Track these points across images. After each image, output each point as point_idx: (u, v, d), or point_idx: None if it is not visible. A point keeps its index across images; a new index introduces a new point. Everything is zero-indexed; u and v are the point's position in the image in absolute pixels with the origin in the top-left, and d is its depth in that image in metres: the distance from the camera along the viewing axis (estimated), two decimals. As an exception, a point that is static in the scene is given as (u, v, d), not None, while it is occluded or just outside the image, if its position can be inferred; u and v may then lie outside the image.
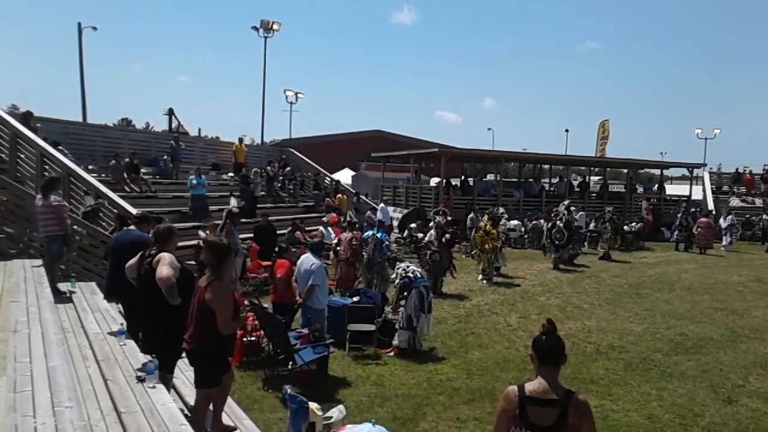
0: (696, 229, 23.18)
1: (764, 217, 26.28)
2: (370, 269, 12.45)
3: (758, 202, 30.22)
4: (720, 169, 36.65)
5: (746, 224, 27.34)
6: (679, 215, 24.49)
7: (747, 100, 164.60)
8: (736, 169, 33.80)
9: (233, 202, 15.89)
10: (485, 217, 16.14)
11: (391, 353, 8.80)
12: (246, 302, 8.60)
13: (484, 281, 15.03)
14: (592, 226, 23.31)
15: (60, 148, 14.29)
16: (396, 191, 30.64)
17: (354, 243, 12.50)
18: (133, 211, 11.71)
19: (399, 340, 8.85)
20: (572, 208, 20.28)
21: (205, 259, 5.15)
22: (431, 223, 15.19)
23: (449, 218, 17.02)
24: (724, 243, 23.93)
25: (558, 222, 18.19)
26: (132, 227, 7.79)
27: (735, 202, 30.48)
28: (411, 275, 9.22)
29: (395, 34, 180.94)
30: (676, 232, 23.92)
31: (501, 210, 18.75)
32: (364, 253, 12.51)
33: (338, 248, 12.90)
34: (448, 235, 14.04)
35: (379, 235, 13.10)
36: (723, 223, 24.32)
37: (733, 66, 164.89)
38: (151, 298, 5.35)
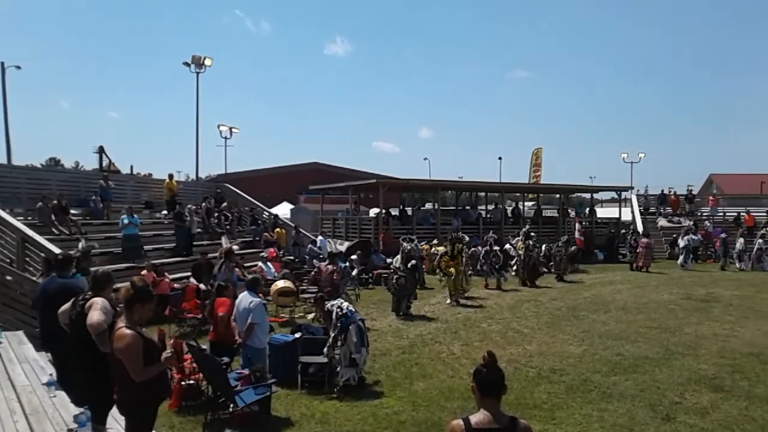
0: (638, 248, 24.47)
1: (691, 236, 27.35)
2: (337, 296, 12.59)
3: (684, 221, 31.47)
4: (647, 191, 38.22)
5: (673, 243, 28.46)
6: (628, 237, 26.18)
7: (669, 125, 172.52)
8: (662, 191, 35.22)
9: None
10: (446, 243, 17.43)
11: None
12: (183, 344, 8.39)
13: (454, 303, 15.87)
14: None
15: None
16: (336, 223, 30.64)
17: (335, 277, 13.00)
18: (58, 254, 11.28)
19: (344, 380, 8.63)
20: (532, 234, 21.77)
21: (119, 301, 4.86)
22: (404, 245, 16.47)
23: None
24: (680, 261, 25.39)
25: (494, 247, 19.73)
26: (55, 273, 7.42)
27: (662, 222, 31.70)
28: (347, 311, 8.95)
29: (329, 65, 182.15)
30: (628, 254, 25.58)
31: (462, 235, 19.48)
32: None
33: (317, 278, 13.40)
34: (413, 261, 15.17)
35: (342, 266, 13.89)
36: (681, 242, 25.88)
37: (654, 91, 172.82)
38: (84, 345, 5.13)
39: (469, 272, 17.63)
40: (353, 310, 9.22)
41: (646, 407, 7.83)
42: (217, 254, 14.50)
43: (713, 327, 12.89)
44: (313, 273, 14.34)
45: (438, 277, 17.24)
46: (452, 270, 16.02)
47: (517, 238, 22.58)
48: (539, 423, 7.21)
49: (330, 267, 13.48)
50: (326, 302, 9.26)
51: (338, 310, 8.86)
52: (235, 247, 13.66)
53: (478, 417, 3.08)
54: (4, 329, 8.77)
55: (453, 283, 16.06)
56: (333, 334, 8.74)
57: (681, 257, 25.58)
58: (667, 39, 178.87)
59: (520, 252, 20.54)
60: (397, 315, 14.21)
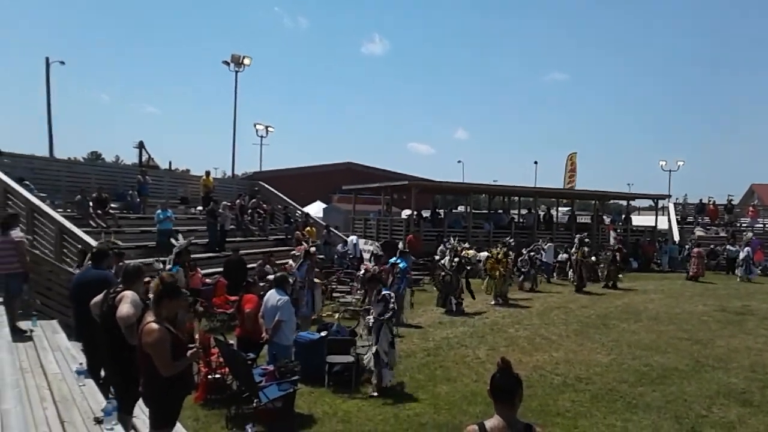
0: (690, 258, 24.51)
1: (728, 247, 26.80)
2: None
3: (722, 232, 30.83)
4: (686, 199, 37.46)
5: (711, 254, 27.89)
6: (687, 246, 26.18)
7: (710, 133, 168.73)
8: (700, 200, 34.52)
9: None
10: (498, 246, 18.34)
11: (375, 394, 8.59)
12: (212, 338, 8.55)
13: (496, 303, 16.70)
14: (561, 257, 23.67)
15: (26, 183, 14.13)
16: (367, 223, 30.70)
17: (383, 276, 12.87)
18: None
19: (387, 382, 8.69)
20: (586, 240, 21.82)
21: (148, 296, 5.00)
22: (441, 248, 17.57)
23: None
24: (740, 273, 24.82)
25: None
26: (90, 263, 7.62)
27: (699, 232, 31.07)
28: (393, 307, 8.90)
29: (366, 65, 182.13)
30: (688, 264, 25.32)
31: (511, 240, 19.77)
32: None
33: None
34: (458, 259, 15.87)
35: (401, 265, 13.95)
36: (741, 254, 25.28)
37: (695, 98, 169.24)
38: (113, 336, 5.28)
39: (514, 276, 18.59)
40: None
41: (672, 419, 7.72)
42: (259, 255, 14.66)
43: (746, 340, 12.61)
44: (361, 273, 14.56)
45: (480, 280, 17.90)
46: (497, 273, 16.98)
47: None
48: (561, 431, 7.17)
49: (376, 267, 13.85)
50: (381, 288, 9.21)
51: (392, 300, 8.85)
52: (312, 249, 14.68)
53: (492, 422, 3.10)
54: (39, 318, 9.02)
55: (496, 285, 17.02)
56: (371, 321, 8.78)
57: (741, 269, 24.93)
58: (710, 45, 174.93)
59: (577, 258, 20.51)
60: (445, 310, 15.38)
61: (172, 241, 12.93)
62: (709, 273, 25.86)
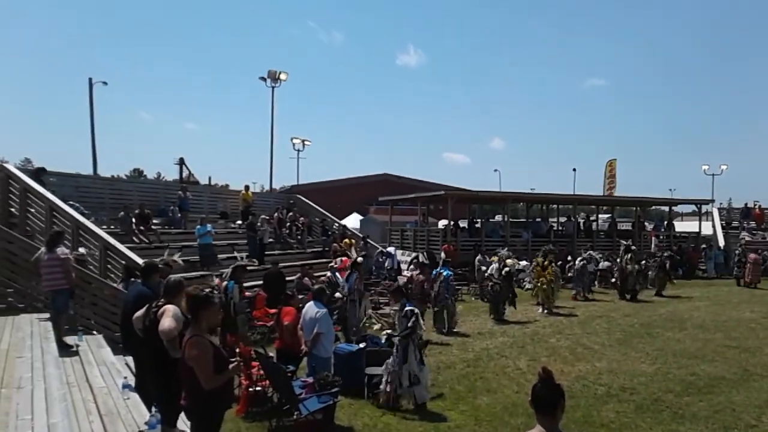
0: (747, 264, 23.89)
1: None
2: (437, 304, 13.95)
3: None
4: (730, 204, 36.50)
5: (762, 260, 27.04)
6: (737, 252, 25.48)
7: (754, 136, 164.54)
8: (746, 204, 33.58)
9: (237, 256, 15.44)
10: (540, 254, 18.12)
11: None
12: (252, 351, 8.63)
13: (544, 311, 16.72)
14: (603, 265, 23.22)
15: (71, 202, 14.51)
16: (404, 234, 30.70)
17: (425, 286, 13.68)
18: (140, 262, 11.83)
19: (421, 401, 8.42)
20: (633, 248, 21.17)
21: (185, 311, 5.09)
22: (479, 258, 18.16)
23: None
24: None
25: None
26: (138, 280, 7.76)
27: (745, 237, 30.21)
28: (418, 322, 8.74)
29: (401, 76, 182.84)
30: (736, 269, 24.83)
31: (552, 247, 19.61)
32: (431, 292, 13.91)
33: (409, 287, 13.68)
34: (507, 269, 16.16)
35: (444, 273, 14.28)
36: None
37: (738, 101, 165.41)
38: (156, 350, 5.37)
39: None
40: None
41: (720, 430, 7.52)
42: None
43: (797, 348, 12.21)
44: (404, 282, 14.82)
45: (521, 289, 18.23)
46: (543, 280, 17.01)
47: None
48: (606, 442, 7.04)
49: (421, 276, 14.03)
50: (405, 301, 9.04)
51: (413, 317, 8.64)
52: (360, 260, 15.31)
53: (533, 433, 3.06)
54: (85, 333, 9.23)
55: (544, 292, 16.97)
56: (398, 338, 8.68)
57: None
58: (749, 45, 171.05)
59: (623, 266, 20.17)
60: (495, 320, 15.52)
61: (234, 256, 13.18)
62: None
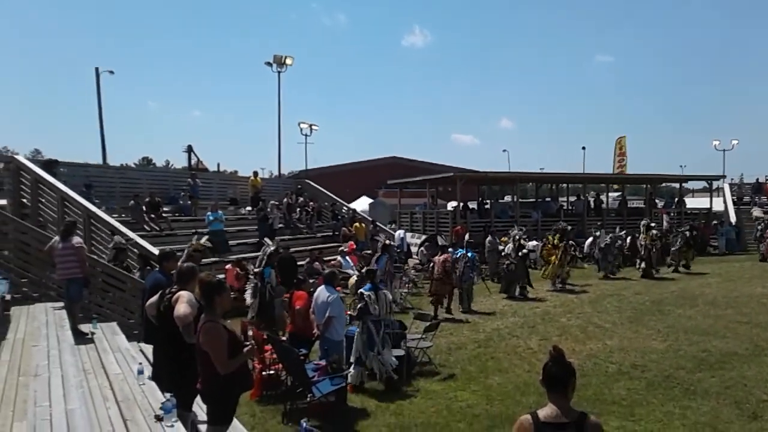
0: (765, 239, 24.31)
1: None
2: (461, 284, 14.40)
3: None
4: (742, 179, 36.21)
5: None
6: (759, 228, 25.63)
7: (764, 109, 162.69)
8: (757, 179, 33.39)
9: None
10: (552, 232, 18.63)
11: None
12: (264, 335, 8.72)
13: (554, 288, 17.31)
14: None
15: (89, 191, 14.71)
16: (413, 217, 30.73)
17: (447, 264, 13.97)
18: (154, 250, 11.94)
19: (351, 377, 8.37)
20: (652, 225, 21.50)
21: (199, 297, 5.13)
22: (506, 237, 18.06)
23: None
24: None
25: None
26: (155, 268, 7.82)
27: (756, 212, 30.01)
28: (371, 307, 8.58)
29: (408, 57, 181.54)
30: (757, 244, 25.31)
31: (569, 226, 19.60)
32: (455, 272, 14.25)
33: (433, 269, 14.31)
34: (525, 249, 16.57)
35: (469, 254, 14.84)
36: None
37: (746, 76, 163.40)
38: (170, 336, 5.43)
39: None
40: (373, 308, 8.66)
41: (732, 405, 7.54)
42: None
43: (809, 322, 12.19)
44: (430, 266, 15.15)
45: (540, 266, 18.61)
46: (553, 258, 17.45)
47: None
48: (617, 419, 7.10)
49: (441, 257, 14.26)
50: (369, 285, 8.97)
51: (366, 299, 8.62)
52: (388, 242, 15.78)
53: (546, 411, 3.08)
54: (99, 320, 9.34)
55: (554, 270, 17.42)
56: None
57: None
58: (759, 17, 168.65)
59: (646, 243, 20.24)
60: (508, 296, 16.12)
61: (265, 241, 13.27)
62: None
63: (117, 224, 13.22)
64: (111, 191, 18.58)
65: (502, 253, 17.57)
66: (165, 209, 18.32)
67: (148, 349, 7.20)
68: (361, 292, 8.86)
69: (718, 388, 8.22)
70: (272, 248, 12.07)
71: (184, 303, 5.31)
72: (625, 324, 12.49)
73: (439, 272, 13.94)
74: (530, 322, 12.92)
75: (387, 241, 16.27)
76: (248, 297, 11.37)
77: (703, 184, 35.33)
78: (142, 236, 13.71)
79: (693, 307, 14.07)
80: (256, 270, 11.82)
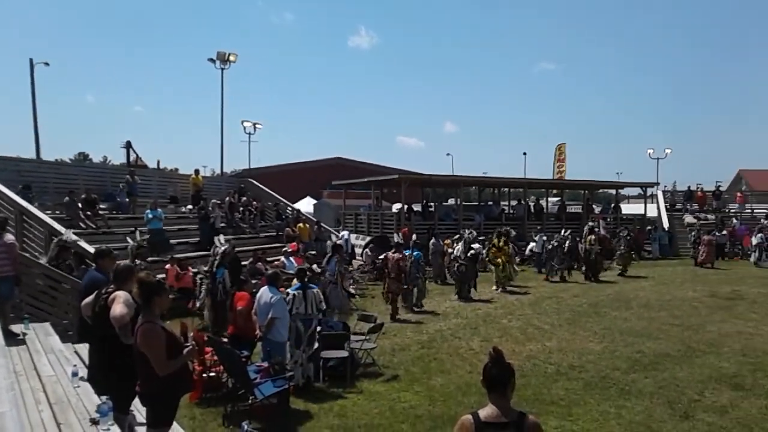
0: (701, 245, 24.87)
1: (716, 233, 26.94)
2: (408, 283, 14.59)
3: (711, 218, 31.02)
4: (674, 187, 37.64)
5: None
6: (693, 233, 26.33)
7: (697, 120, 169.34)
8: (689, 187, 34.74)
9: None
10: (495, 235, 18.95)
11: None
12: (205, 336, 8.56)
13: (499, 290, 17.64)
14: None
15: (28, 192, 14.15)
16: (358, 218, 30.73)
17: (401, 264, 14.26)
18: (90, 248, 11.56)
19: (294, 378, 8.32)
20: (596, 229, 21.86)
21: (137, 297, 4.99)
22: (449, 240, 18.93)
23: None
24: (754, 259, 25.19)
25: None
26: (91, 266, 7.56)
27: (688, 219, 31.26)
28: (297, 305, 8.65)
29: (353, 58, 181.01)
30: (692, 249, 25.93)
31: (509, 229, 20.23)
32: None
33: (385, 266, 14.87)
34: (473, 250, 16.81)
35: (414, 254, 15.17)
36: (754, 240, 25.66)
37: (682, 85, 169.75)
38: (106, 337, 5.27)
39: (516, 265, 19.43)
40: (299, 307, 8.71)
41: (665, 405, 7.81)
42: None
43: (737, 325, 12.74)
44: (381, 262, 15.64)
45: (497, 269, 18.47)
46: (499, 261, 17.83)
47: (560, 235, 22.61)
48: (556, 419, 7.25)
49: (396, 255, 14.45)
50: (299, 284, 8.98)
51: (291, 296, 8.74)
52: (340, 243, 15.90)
53: (486, 411, 3.12)
54: (31, 320, 8.99)
55: (500, 272, 17.81)
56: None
57: (754, 254, 25.31)
58: (696, 29, 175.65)
59: (589, 247, 20.70)
60: (459, 298, 16.42)
61: (216, 241, 13.02)
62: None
63: (51, 221, 12.75)
64: (45, 187, 17.96)
65: (452, 255, 17.85)
66: (102, 206, 17.82)
67: (83, 350, 6.97)
68: (287, 292, 8.84)
69: (651, 388, 8.49)
70: (225, 248, 11.89)
71: (120, 303, 5.17)
72: (564, 326, 12.79)
73: (393, 270, 14.17)
74: (472, 323, 13.08)
75: (339, 242, 16.27)
76: (200, 298, 11.23)
77: (638, 190, 36.64)
78: (77, 234, 13.24)
79: (628, 310, 14.52)
80: (205, 269, 11.61)
